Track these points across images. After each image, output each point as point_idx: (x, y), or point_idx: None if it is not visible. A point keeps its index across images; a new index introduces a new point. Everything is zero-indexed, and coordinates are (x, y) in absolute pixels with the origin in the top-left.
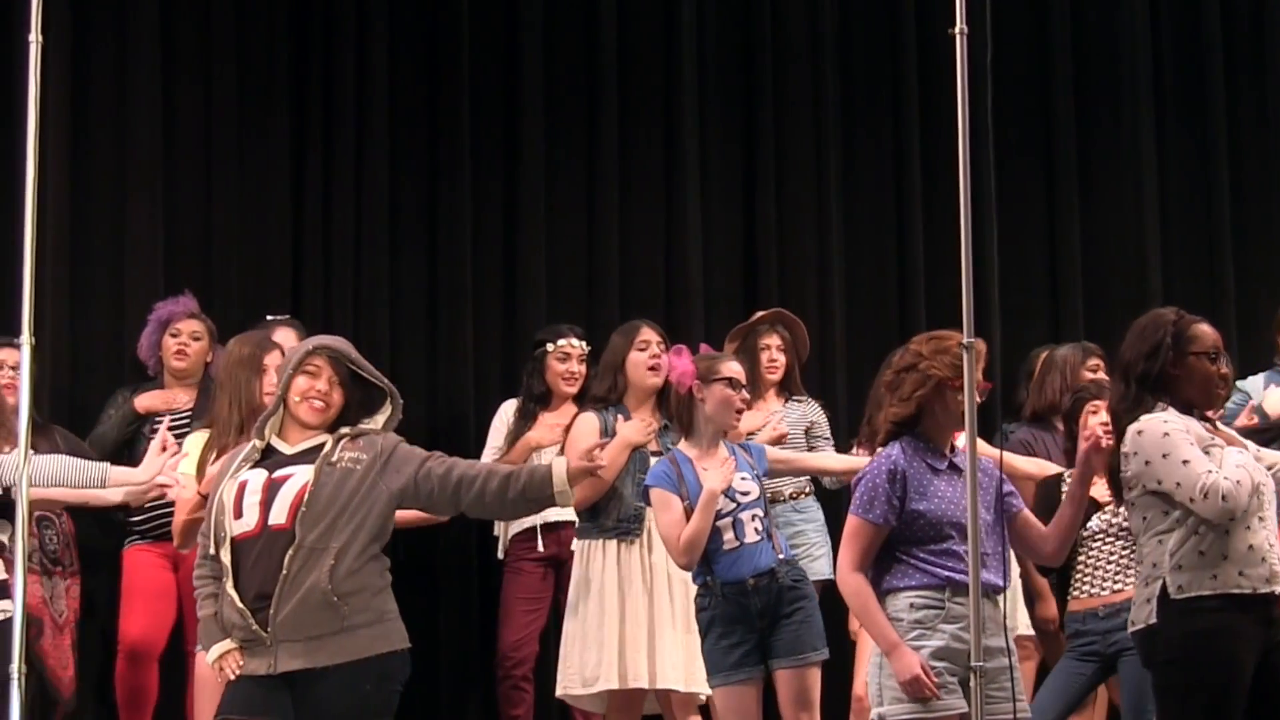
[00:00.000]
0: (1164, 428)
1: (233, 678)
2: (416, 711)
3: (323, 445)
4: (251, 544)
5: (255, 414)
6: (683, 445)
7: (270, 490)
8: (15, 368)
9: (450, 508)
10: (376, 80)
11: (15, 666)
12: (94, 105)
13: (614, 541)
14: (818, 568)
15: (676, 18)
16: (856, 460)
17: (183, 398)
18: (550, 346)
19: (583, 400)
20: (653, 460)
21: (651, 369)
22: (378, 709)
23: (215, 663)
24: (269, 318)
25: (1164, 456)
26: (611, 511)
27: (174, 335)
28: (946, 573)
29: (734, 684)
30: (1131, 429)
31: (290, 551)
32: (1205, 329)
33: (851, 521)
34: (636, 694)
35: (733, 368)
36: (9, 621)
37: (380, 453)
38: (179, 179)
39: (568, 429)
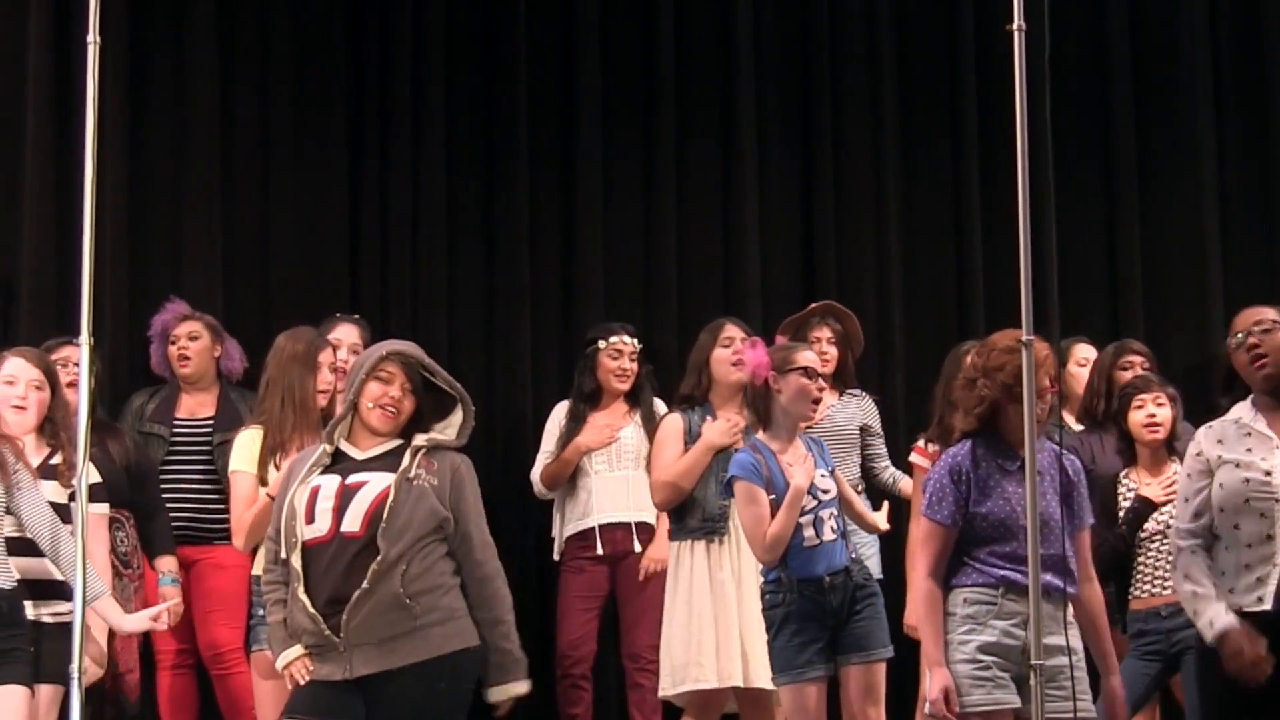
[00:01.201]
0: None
1: (302, 684)
2: (476, 711)
3: (394, 451)
4: (323, 549)
5: (308, 411)
6: (763, 436)
7: (344, 497)
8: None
9: None
10: (433, 81)
11: (75, 666)
12: (152, 107)
13: (701, 542)
14: (869, 567)
15: (734, 17)
16: (876, 519)
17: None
18: (602, 344)
19: (636, 399)
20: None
21: (735, 365)
22: (452, 707)
23: (284, 669)
24: (338, 315)
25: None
26: (696, 512)
27: (173, 342)
28: (1003, 572)
29: (805, 682)
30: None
31: (375, 566)
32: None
33: (923, 524)
34: (717, 694)
35: (808, 357)
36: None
37: (449, 477)
38: (237, 182)
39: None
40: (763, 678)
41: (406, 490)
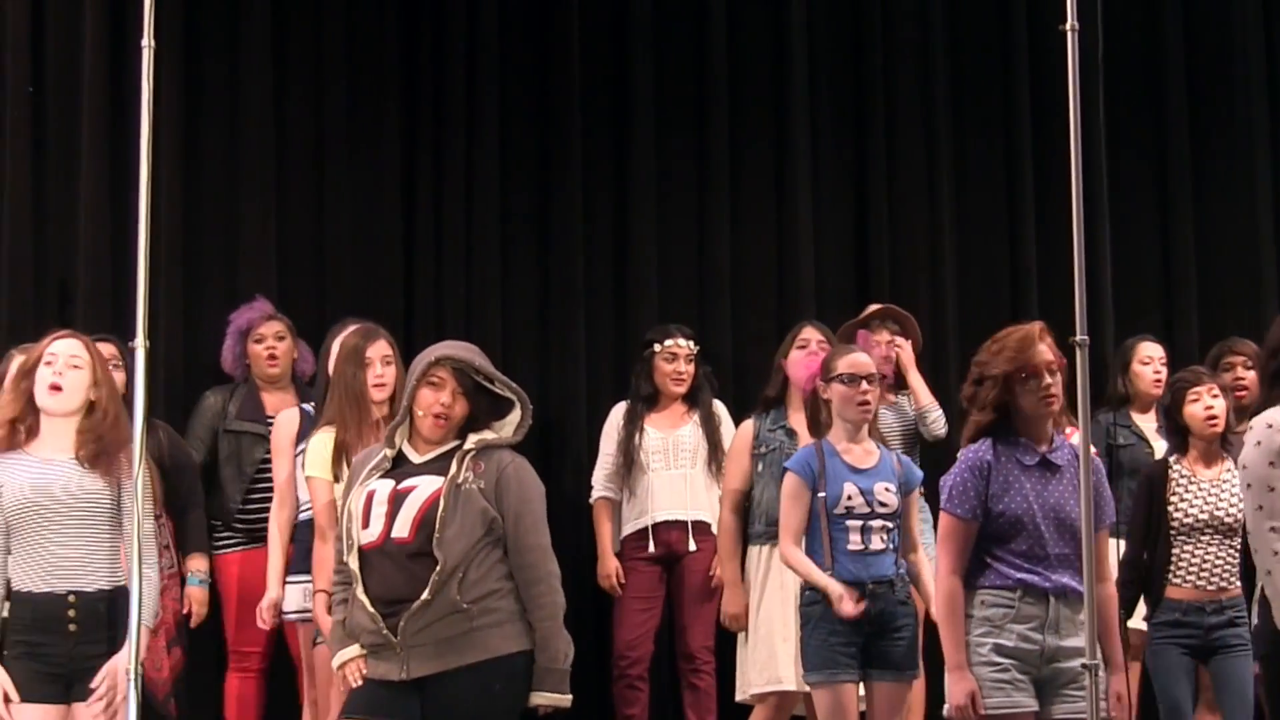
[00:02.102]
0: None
1: (355, 684)
2: (530, 711)
3: (448, 454)
4: (377, 554)
5: (365, 406)
6: (830, 437)
7: (395, 502)
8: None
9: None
10: (487, 82)
11: (131, 667)
12: (206, 110)
13: (765, 546)
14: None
15: (787, 17)
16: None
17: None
18: (657, 347)
19: (694, 400)
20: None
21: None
22: (507, 709)
23: (339, 668)
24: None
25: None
26: (760, 516)
27: (258, 341)
28: (1020, 575)
29: (839, 682)
30: (1261, 419)
31: (434, 577)
32: None
33: (944, 520)
34: (790, 696)
35: (850, 361)
36: None
37: (496, 477)
38: (291, 183)
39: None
40: None
41: (455, 496)
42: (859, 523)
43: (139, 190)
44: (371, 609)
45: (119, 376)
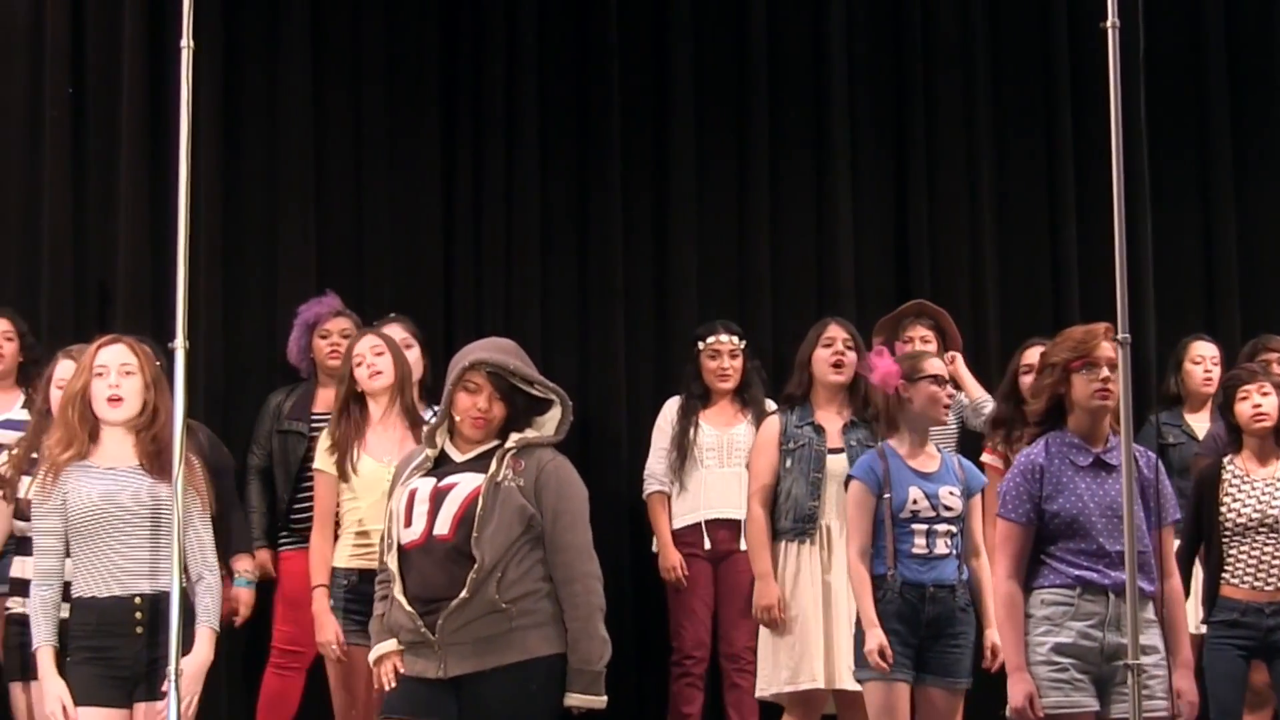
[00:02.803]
0: None
1: (389, 683)
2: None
3: (489, 453)
4: (419, 552)
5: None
6: (892, 441)
7: (436, 500)
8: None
9: None
10: (526, 81)
11: (172, 668)
12: (245, 110)
13: (794, 543)
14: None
15: (826, 17)
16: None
17: None
18: (701, 344)
19: (746, 396)
20: (830, 458)
21: (834, 366)
22: (544, 710)
23: (374, 663)
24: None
25: None
26: (789, 513)
27: (324, 336)
28: (1078, 572)
29: (891, 680)
30: None
31: (473, 575)
32: None
33: (999, 525)
34: (818, 694)
35: (936, 364)
36: None
37: (535, 475)
38: (330, 183)
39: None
40: (848, 679)
41: (494, 494)
42: (924, 526)
43: (178, 191)
44: (410, 608)
45: None
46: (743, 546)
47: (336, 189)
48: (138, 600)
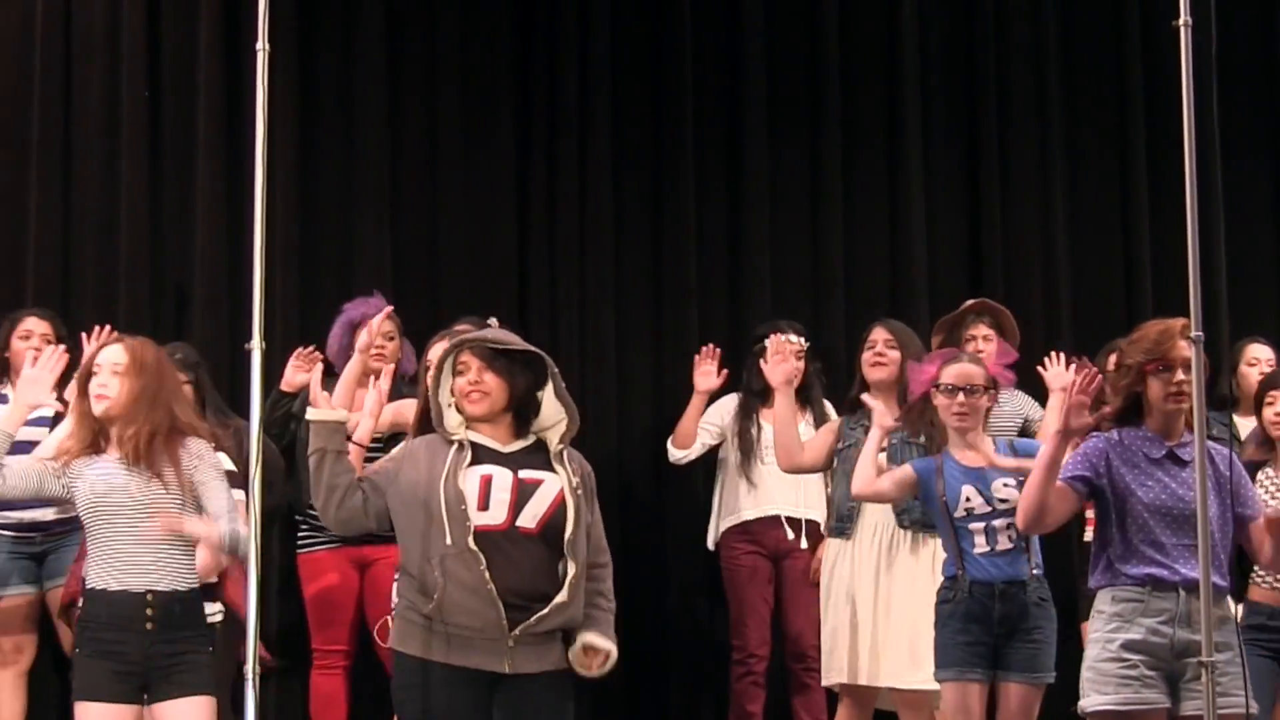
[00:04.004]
0: None
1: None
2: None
3: (537, 448)
4: (497, 537)
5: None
6: (949, 446)
7: (520, 492)
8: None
9: None
10: (600, 83)
11: (250, 666)
12: (321, 113)
13: (835, 540)
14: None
15: (899, 14)
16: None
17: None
18: (766, 343)
19: (806, 397)
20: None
21: (873, 365)
22: (567, 710)
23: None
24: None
25: None
26: (832, 512)
27: None
28: (1148, 569)
29: (966, 680)
30: None
31: (571, 579)
32: None
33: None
34: (866, 690)
35: (950, 371)
36: (219, 625)
37: (581, 475)
38: (405, 185)
39: None
40: (891, 676)
41: (575, 500)
42: (981, 524)
43: (254, 193)
44: (499, 600)
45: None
46: (804, 545)
47: (411, 190)
48: (148, 596)
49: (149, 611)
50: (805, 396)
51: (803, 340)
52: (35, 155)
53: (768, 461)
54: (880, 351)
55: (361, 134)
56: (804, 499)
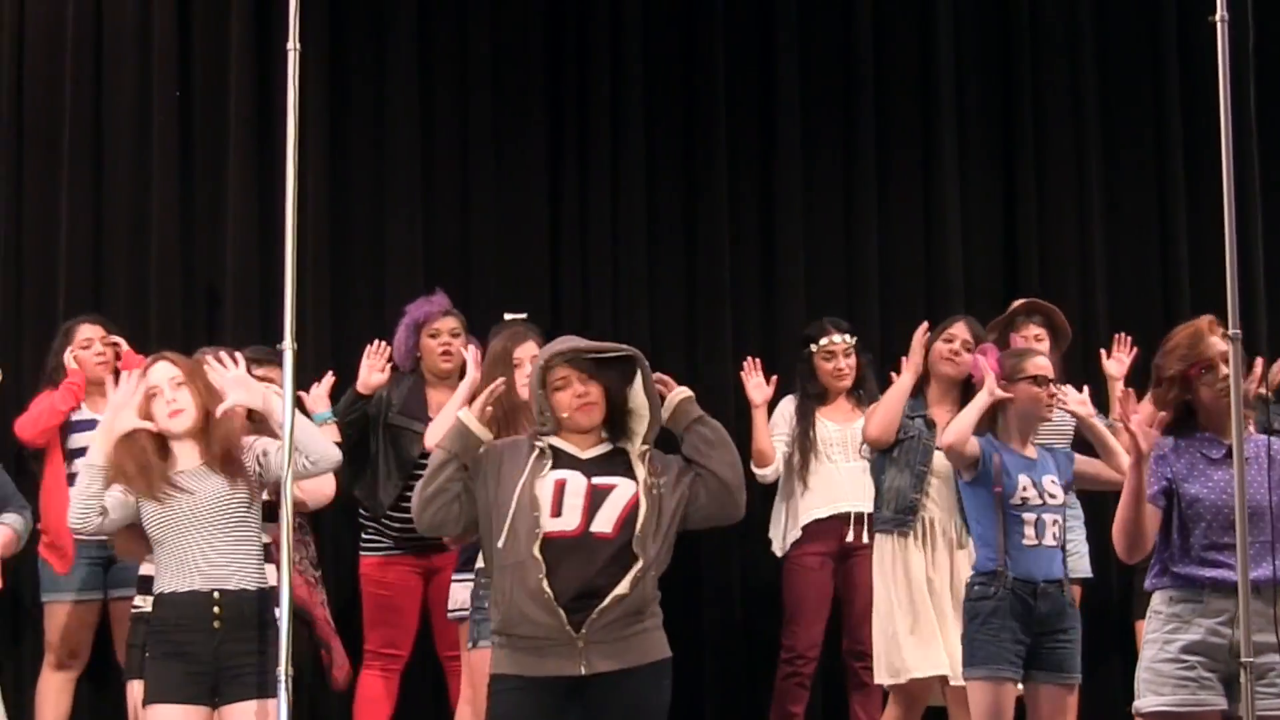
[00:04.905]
0: None
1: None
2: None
3: (617, 453)
4: (569, 543)
5: (513, 409)
6: (1000, 435)
7: (593, 496)
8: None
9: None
10: (632, 82)
11: (282, 669)
12: (352, 113)
13: (894, 534)
14: (1080, 565)
15: (933, 11)
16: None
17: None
18: (814, 346)
19: (861, 392)
20: (938, 453)
21: (948, 359)
22: (657, 708)
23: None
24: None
25: None
26: (890, 502)
27: (433, 336)
28: (1208, 572)
29: (1000, 680)
30: None
31: (635, 573)
32: None
33: None
34: (921, 685)
35: (1037, 364)
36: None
37: (674, 473)
38: (437, 186)
39: None
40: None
41: (653, 500)
42: (1033, 515)
43: (285, 194)
44: (556, 605)
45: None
46: (865, 540)
47: (443, 190)
48: (216, 595)
49: (216, 610)
50: (860, 392)
51: (849, 337)
52: (67, 157)
53: (832, 460)
54: (957, 350)
55: (393, 134)
56: (869, 493)
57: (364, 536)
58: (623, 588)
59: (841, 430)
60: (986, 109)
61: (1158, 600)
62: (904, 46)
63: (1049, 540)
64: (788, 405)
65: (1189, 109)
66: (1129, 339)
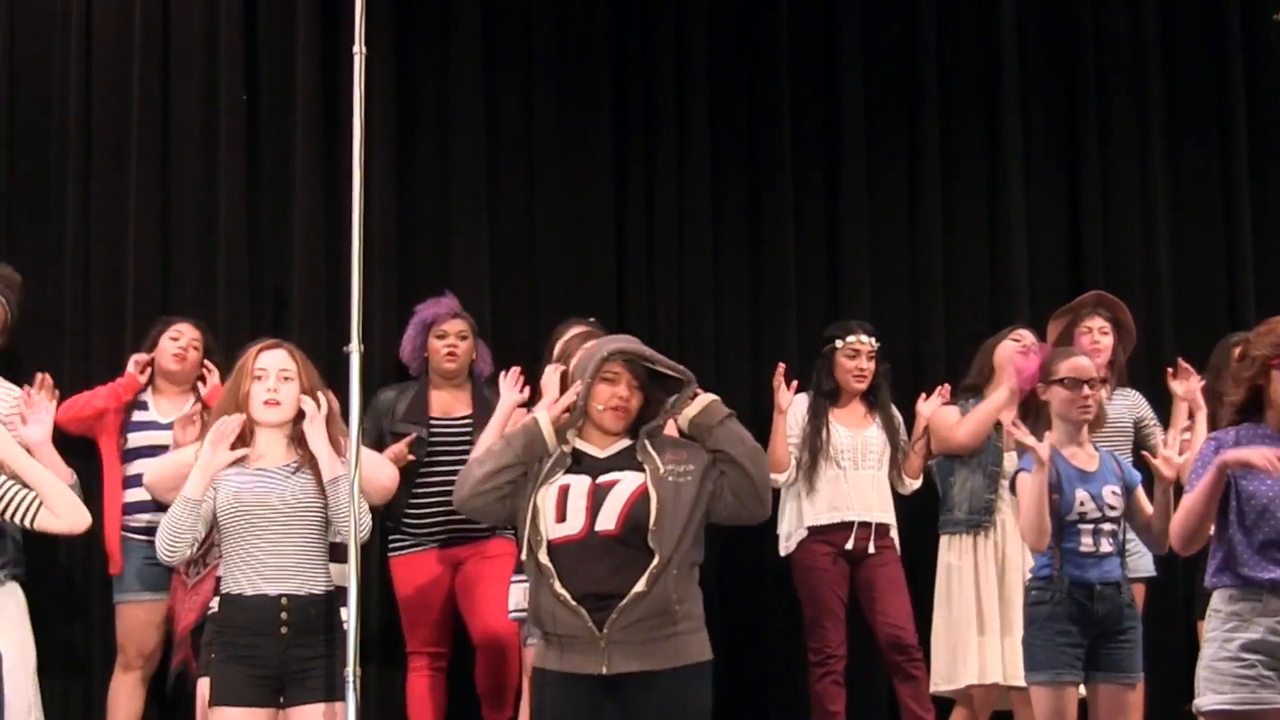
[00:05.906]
0: None
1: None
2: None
3: (632, 449)
4: (575, 546)
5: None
6: (1053, 440)
7: (596, 496)
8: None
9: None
10: (697, 84)
11: (350, 670)
12: (418, 115)
13: (968, 536)
14: (1143, 564)
15: (997, 12)
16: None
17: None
18: (839, 343)
19: (874, 398)
20: (1006, 455)
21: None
22: (696, 712)
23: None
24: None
25: None
26: (963, 503)
27: (440, 337)
28: (1268, 568)
29: (1062, 684)
30: None
31: (651, 569)
32: None
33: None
34: (989, 689)
35: (1072, 365)
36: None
37: (704, 463)
38: (502, 187)
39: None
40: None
41: (667, 489)
42: (1090, 527)
43: (352, 196)
44: (574, 604)
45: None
46: (872, 550)
47: (508, 192)
48: (284, 600)
49: (284, 615)
50: (873, 398)
51: (873, 341)
52: (134, 160)
53: (842, 466)
54: (1030, 351)
55: (458, 136)
56: (879, 502)
57: (390, 538)
58: (641, 585)
59: (853, 437)
60: (1050, 106)
61: (1218, 599)
62: (968, 47)
63: (1105, 548)
64: (801, 404)
65: (1253, 108)
66: (1190, 370)
